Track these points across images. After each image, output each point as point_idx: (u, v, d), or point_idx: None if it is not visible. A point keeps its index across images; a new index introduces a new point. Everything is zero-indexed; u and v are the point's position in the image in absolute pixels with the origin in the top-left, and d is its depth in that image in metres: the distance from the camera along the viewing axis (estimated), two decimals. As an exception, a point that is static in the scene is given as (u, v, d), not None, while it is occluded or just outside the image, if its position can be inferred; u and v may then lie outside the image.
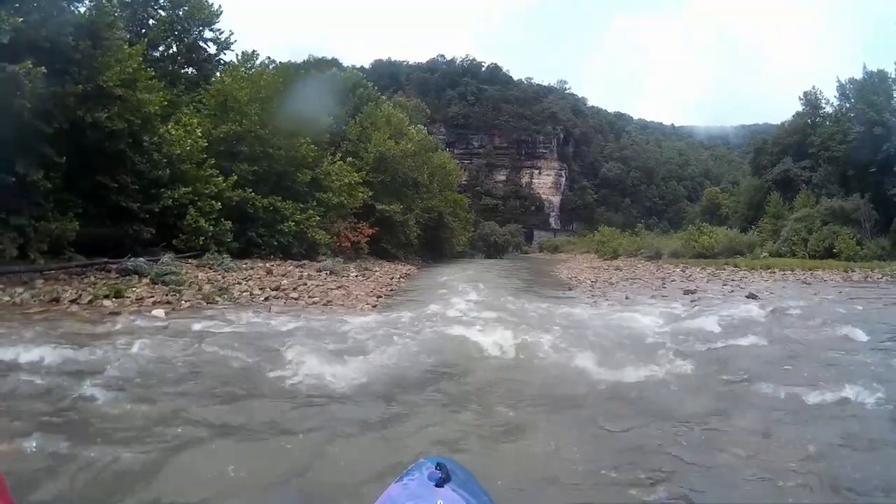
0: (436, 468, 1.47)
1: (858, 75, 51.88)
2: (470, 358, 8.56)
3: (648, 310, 14.88)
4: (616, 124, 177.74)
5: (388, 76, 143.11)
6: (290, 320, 11.44)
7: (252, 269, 22.21)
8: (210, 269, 20.32)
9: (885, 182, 41.79)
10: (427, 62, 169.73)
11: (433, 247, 54.67)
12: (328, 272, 24.23)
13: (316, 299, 15.88)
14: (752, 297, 18.77)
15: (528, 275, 38.08)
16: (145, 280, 15.58)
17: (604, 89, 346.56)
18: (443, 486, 1.41)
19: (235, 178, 26.75)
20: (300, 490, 4.43)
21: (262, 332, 10.12)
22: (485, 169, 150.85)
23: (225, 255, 22.98)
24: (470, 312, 13.71)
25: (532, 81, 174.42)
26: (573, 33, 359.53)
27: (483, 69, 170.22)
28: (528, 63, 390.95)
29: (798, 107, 57.65)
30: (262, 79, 31.77)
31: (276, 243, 28.40)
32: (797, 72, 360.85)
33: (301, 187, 31.93)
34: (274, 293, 16.38)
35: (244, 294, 15.70)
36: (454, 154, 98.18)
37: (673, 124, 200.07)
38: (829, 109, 56.15)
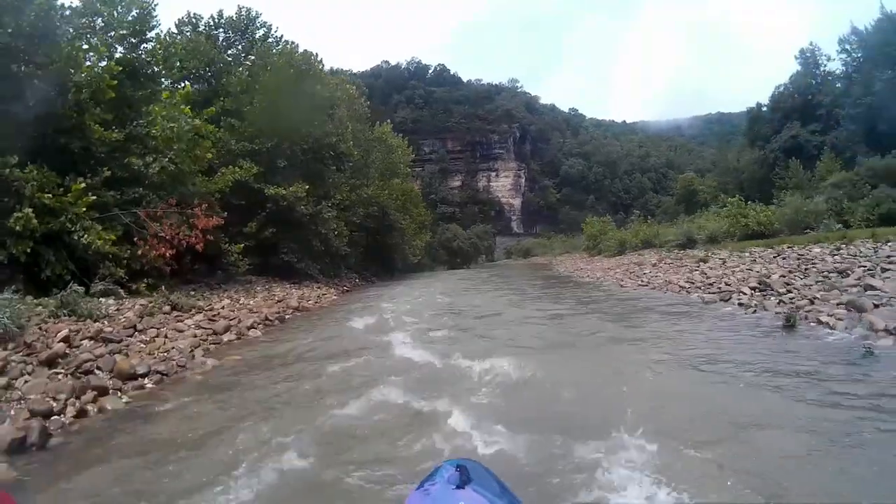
0: (456, 470, 1.35)
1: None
2: None
3: None
4: (572, 121, 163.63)
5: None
6: None
7: None
8: None
9: (935, 132, 32.42)
10: (371, 69, 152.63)
11: (378, 257, 37.06)
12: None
13: None
14: None
15: (551, 291, 20.99)
16: None
17: (552, 91, 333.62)
18: (464, 488, 1.31)
19: None
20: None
21: None
22: (438, 175, 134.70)
23: None
24: None
25: (482, 82, 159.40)
26: (519, 35, 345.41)
27: (430, 72, 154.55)
28: (474, 65, 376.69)
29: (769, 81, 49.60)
30: None
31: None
32: (747, 58, 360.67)
33: (97, 149, 14.70)
34: None
35: None
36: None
37: (625, 121, 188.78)
38: (832, 66, 49.09)
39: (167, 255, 14.31)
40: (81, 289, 10.44)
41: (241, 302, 14.73)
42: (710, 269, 18.30)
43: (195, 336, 9.98)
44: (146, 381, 7.45)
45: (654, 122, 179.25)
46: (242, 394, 6.86)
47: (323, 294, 20.79)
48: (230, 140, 22.98)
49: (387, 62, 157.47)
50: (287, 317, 14.39)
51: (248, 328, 11.51)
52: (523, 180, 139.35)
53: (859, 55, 44.25)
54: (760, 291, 12.25)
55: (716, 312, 11.35)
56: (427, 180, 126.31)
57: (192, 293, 15.05)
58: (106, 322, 9.73)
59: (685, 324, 10.40)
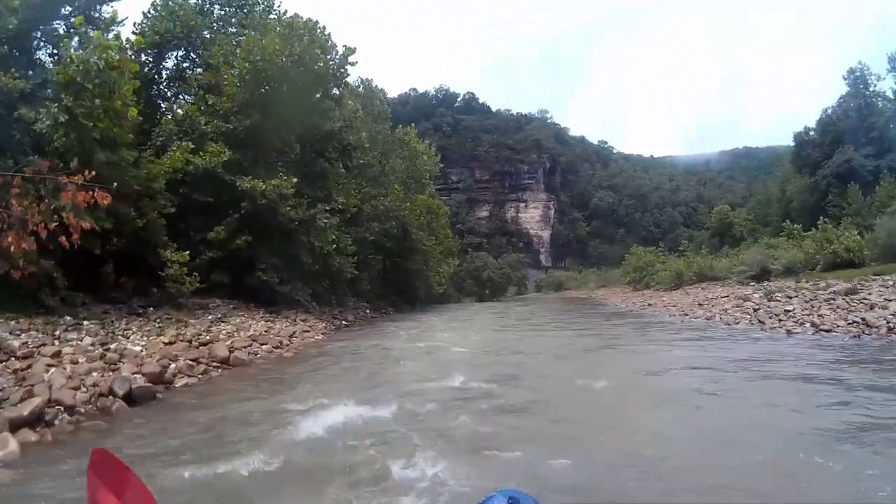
0: (508, 502, 1.26)
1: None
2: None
3: None
4: (601, 153, 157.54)
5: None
6: None
7: None
8: None
9: None
10: (398, 96, 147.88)
11: (396, 285, 30.49)
12: None
13: None
14: None
15: (653, 336, 14.04)
16: None
17: (579, 125, 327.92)
18: None
19: None
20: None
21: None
22: (465, 205, 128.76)
23: None
24: None
25: (510, 111, 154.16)
26: (548, 69, 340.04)
27: (458, 100, 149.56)
28: (503, 97, 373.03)
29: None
30: None
31: None
32: (771, 95, 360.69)
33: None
34: None
35: None
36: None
37: (652, 155, 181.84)
38: (881, 86, 45.54)
39: (27, 249, 7.93)
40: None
41: (114, 346, 8.09)
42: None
43: None
44: None
45: (684, 157, 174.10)
46: None
47: (303, 331, 14.18)
48: (199, 119, 16.94)
49: (414, 89, 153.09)
50: (183, 383, 7.62)
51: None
52: (552, 212, 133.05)
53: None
54: None
55: None
56: (454, 209, 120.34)
57: (83, 321, 8.68)
58: None
59: None
